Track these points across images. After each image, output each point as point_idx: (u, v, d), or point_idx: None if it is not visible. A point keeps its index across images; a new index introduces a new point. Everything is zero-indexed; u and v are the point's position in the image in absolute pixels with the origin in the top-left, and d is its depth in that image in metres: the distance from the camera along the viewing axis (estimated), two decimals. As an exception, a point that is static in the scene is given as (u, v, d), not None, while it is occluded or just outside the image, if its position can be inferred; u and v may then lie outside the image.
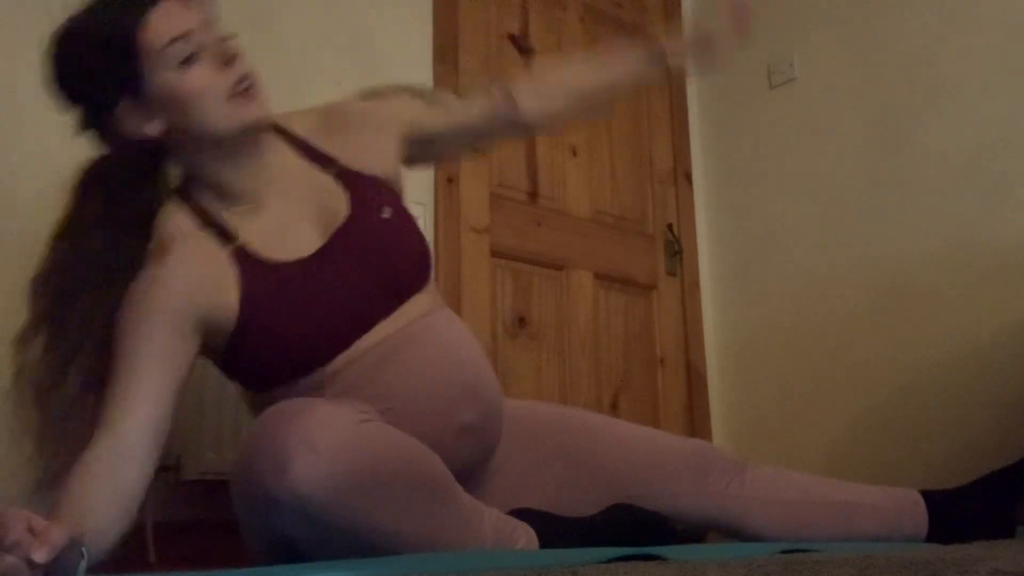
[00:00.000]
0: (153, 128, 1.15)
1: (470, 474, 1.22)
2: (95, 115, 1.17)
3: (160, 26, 1.11)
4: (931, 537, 1.40)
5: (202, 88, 1.13)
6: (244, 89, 1.15)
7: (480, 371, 1.26)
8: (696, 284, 2.78)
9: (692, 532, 1.38)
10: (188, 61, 1.12)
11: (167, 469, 1.58)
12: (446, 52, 2.26)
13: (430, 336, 1.23)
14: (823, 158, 2.58)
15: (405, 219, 1.28)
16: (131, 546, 1.55)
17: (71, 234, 1.19)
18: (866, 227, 2.46)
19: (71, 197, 1.21)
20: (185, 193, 1.23)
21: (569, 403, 2.34)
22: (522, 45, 2.47)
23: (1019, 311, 2.13)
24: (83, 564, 0.93)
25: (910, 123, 2.41)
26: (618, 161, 2.66)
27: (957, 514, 1.41)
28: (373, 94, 1.37)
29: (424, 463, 1.08)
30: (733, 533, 1.40)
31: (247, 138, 1.19)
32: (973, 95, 2.30)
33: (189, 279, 1.16)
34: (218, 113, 1.14)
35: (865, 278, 2.44)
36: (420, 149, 1.37)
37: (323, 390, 1.19)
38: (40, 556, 0.85)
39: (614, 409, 2.43)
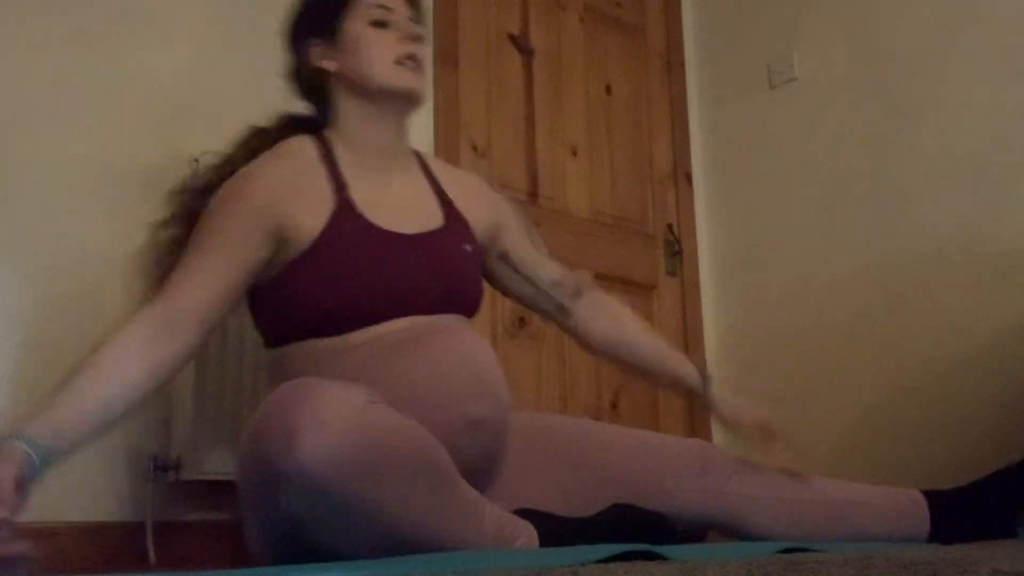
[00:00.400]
0: (329, 64, 1.35)
1: (473, 480, 1.22)
2: (298, 44, 1.38)
3: None
4: (933, 537, 1.40)
5: (378, 45, 1.33)
6: (411, 63, 1.33)
7: (493, 372, 1.27)
8: (696, 284, 2.78)
9: (692, 532, 1.38)
10: (379, 24, 1.34)
11: (167, 469, 1.58)
12: (446, 52, 2.26)
13: (449, 335, 1.26)
14: (823, 158, 2.58)
15: (476, 262, 1.42)
16: (131, 546, 1.56)
17: (222, 165, 1.37)
18: (866, 227, 2.46)
19: (239, 139, 1.40)
20: (324, 136, 1.37)
21: (569, 403, 2.34)
22: (522, 45, 2.47)
23: (1019, 311, 2.13)
24: (35, 459, 1.02)
25: (910, 123, 2.41)
26: (618, 161, 2.66)
27: (959, 514, 1.41)
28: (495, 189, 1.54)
29: (430, 449, 1.08)
30: (733, 531, 1.40)
31: (395, 104, 1.35)
32: (973, 95, 2.30)
33: (285, 185, 1.29)
34: (381, 68, 1.32)
35: (865, 278, 2.44)
36: (490, 249, 1.49)
37: (339, 360, 1.21)
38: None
39: (614, 409, 2.43)
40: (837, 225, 2.52)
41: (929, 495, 1.43)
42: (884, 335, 2.37)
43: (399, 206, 1.34)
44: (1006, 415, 2.09)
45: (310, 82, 1.39)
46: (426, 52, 1.38)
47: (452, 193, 1.43)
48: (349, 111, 1.36)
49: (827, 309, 2.50)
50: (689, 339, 2.71)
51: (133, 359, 1.16)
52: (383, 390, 1.13)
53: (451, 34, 2.28)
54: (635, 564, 0.85)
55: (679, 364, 1.52)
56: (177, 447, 1.59)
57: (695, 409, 2.64)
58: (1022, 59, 2.23)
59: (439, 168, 1.48)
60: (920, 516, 1.41)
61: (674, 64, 2.90)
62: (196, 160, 1.69)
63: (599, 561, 0.87)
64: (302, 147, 1.35)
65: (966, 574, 0.68)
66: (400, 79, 1.33)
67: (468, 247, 1.39)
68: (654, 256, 2.70)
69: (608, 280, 2.54)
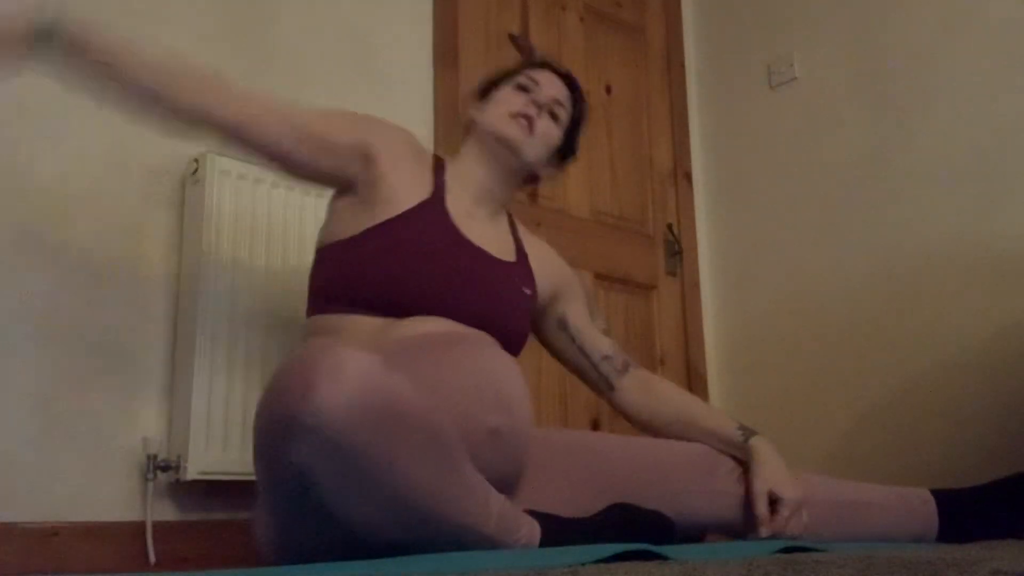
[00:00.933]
0: (472, 112, 1.54)
1: None
2: (469, 104, 1.59)
3: (535, 72, 1.53)
4: (942, 536, 1.40)
5: (506, 100, 1.49)
6: (525, 121, 1.46)
7: (515, 387, 1.27)
8: (696, 284, 2.78)
9: (691, 532, 1.38)
10: (521, 88, 1.50)
11: (167, 469, 1.58)
12: (446, 52, 2.26)
13: (478, 346, 1.29)
14: (823, 158, 2.58)
15: (529, 307, 1.50)
16: (131, 546, 1.56)
17: None
18: (866, 226, 2.46)
19: None
20: (443, 159, 1.52)
21: (569, 403, 2.34)
22: (522, 45, 2.47)
23: (1019, 311, 2.13)
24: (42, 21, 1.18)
25: (910, 123, 2.41)
26: (618, 161, 2.66)
27: (968, 514, 1.40)
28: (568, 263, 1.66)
29: (442, 425, 1.08)
30: (741, 531, 1.40)
31: (498, 150, 1.47)
32: (973, 95, 2.30)
33: (399, 150, 1.43)
34: (494, 117, 1.48)
35: (865, 277, 2.44)
36: (548, 312, 1.58)
37: (371, 343, 1.22)
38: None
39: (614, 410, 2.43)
40: (837, 225, 2.52)
41: (938, 495, 1.43)
42: (884, 335, 2.37)
43: (479, 232, 1.45)
44: (1007, 415, 2.09)
45: (465, 131, 1.57)
46: (551, 127, 1.51)
47: (528, 250, 1.55)
48: (469, 148, 1.52)
49: (827, 309, 2.50)
50: (689, 339, 2.70)
51: (169, 67, 1.31)
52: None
53: (451, 34, 2.28)
54: (635, 564, 0.85)
55: (720, 426, 1.50)
56: (177, 447, 1.59)
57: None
58: (1022, 59, 2.23)
59: (523, 229, 1.60)
60: (929, 516, 1.41)
61: (674, 64, 2.90)
62: (196, 160, 1.70)
63: (599, 561, 0.87)
64: (424, 150, 1.51)
65: (966, 574, 0.68)
66: (502, 126, 1.46)
67: (527, 291, 1.48)
68: (654, 256, 2.69)
69: (608, 280, 2.54)
